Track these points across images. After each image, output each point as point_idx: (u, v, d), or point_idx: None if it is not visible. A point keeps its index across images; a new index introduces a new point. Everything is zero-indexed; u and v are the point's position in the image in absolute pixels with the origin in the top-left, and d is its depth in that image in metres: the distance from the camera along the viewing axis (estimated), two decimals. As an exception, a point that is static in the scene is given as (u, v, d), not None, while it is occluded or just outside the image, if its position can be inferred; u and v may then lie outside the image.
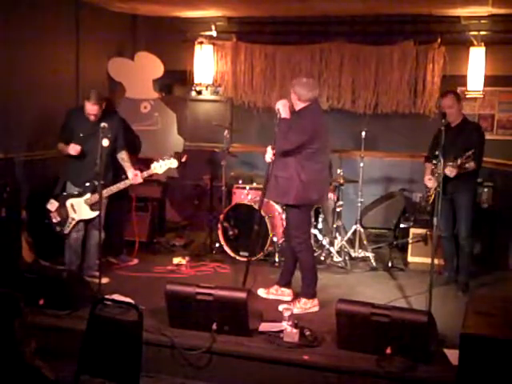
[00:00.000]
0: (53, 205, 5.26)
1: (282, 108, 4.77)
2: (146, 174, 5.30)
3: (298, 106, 4.82)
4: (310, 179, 4.76)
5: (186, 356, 4.02)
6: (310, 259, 4.95)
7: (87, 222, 5.31)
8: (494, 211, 6.41)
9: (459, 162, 4.98)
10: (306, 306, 4.83)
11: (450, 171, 5.01)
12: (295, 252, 4.94)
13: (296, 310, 4.60)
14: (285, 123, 4.75)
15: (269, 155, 4.87)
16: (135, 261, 6.10)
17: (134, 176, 5.26)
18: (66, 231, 5.26)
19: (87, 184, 5.21)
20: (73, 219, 5.24)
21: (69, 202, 5.24)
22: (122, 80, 7.35)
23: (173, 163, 5.28)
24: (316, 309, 4.85)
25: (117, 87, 7.41)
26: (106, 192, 5.13)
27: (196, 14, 7.38)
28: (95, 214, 5.15)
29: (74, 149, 5.15)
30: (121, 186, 5.26)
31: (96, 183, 5.10)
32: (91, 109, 5.13)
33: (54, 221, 5.25)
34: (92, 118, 5.17)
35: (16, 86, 5.75)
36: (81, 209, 5.24)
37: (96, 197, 5.12)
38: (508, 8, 6.33)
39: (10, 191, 5.27)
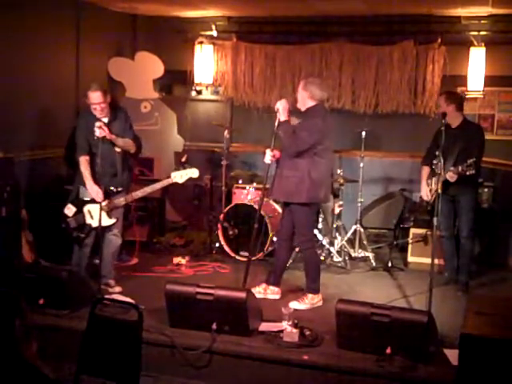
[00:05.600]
0: (70, 210, 5.03)
1: (282, 110, 4.76)
2: (165, 182, 5.07)
3: (307, 104, 4.82)
4: (319, 177, 4.80)
5: (185, 356, 4.02)
6: (315, 256, 5.10)
7: (105, 229, 5.02)
8: (494, 211, 6.40)
9: (460, 169, 4.97)
10: (314, 300, 4.91)
11: (451, 177, 5.03)
12: (302, 250, 5.07)
13: (305, 306, 4.83)
14: (287, 125, 4.76)
15: (268, 157, 4.89)
16: (135, 260, 6.10)
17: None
18: (83, 237, 5.05)
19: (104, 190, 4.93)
20: (90, 225, 5.02)
21: (86, 208, 5.01)
22: (122, 80, 7.36)
23: (194, 173, 5.03)
24: (321, 303, 4.95)
25: (117, 87, 7.40)
26: (125, 199, 5.00)
27: (196, 13, 7.38)
28: (112, 221, 5.01)
29: (98, 195, 4.84)
30: (148, 189, 5.04)
31: (112, 189, 4.95)
32: (94, 97, 4.82)
33: (72, 226, 5.03)
34: (98, 111, 4.87)
35: (16, 85, 5.74)
36: (98, 215, 4.97)
37: (113, 203, 4.97)
38: (508, 8, 6.34)
39: (10, 191, 5.24)
